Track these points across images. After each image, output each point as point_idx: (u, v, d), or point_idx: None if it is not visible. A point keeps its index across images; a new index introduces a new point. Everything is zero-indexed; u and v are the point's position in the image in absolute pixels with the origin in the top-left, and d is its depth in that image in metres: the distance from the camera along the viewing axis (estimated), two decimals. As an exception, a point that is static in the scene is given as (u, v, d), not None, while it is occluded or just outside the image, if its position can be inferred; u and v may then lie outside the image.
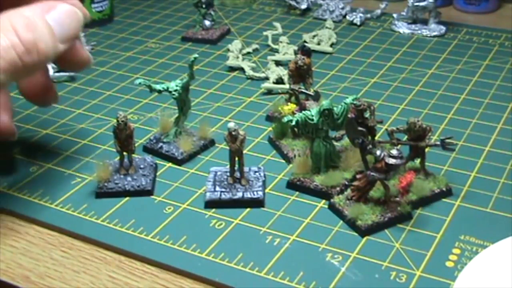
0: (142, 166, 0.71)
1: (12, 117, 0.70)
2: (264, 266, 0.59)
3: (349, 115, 0.68)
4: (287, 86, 0.84)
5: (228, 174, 0.69)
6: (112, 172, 0.70)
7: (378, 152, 0.61)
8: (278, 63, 0.95)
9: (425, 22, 1.07)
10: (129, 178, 0.69)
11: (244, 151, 0.68)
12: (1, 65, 0.54)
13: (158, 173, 0.72)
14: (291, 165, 0.72)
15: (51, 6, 0.59)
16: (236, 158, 0.68)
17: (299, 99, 0.79)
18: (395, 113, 0.83)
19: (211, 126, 0.79)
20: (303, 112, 0.68)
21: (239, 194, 0.67)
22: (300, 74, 0.79)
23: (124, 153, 0.70)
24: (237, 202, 0.66)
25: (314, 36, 1.03)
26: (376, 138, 0.72)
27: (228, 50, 0.98)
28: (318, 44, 1.01)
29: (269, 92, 0.89)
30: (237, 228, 0.64)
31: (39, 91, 0.70)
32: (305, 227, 0.64)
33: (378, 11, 1.12)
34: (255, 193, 0.67)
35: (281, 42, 0.99)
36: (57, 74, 0.93)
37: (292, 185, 0.69)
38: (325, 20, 1.09)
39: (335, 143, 0.70)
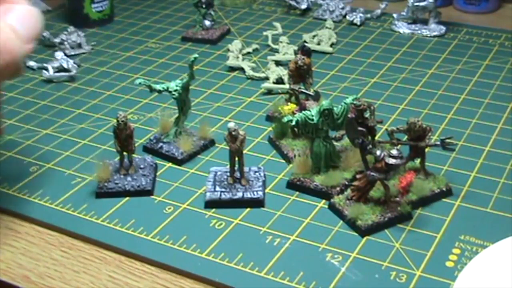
0: (142, 166, 0.71)
1: (1, 117, 0.69)
2: (264, 266, 0.59)
3: (349, 115, 0.68)
4: (287, 86, 0.84)
5: (228, 174, 0.69)
6: (112, 172, 0.70)
7: (378, 152, 0.61)
8: (278, 63, 0.95)
9: (425, 22, 1.07)
10: (129, 178, 0.69)
11: (244, 151, 0.68)
12: None
13: (158, 173, 0.72)
14: (291, 165, 0.72)
15: (8, 8, 0.56)
16: (236, 158, 0.68)
17: (299, 99, 0.79)
18: (395, 113, 0.83)
19: (211, 126, 0.79)
20: (303, 112, 0.68)
21: (239, 194, 0.67)
22: (300, 74, 0.79)
23: (124, 153, 0.70)
24: (237, 202, 0.66)
25: (314, 36, 1.03)
26: (376, 138, 0.72)
27: (228, 50, 0.98)
28: (318, 44, 1.01)
29: (269, 92, 0.89)
30: (237, 228, 0.64)
31: None
32: (305, 227, 0.64)
33: (378, 11, 1.12)
34: (255, 193, 0.67)
35: (281, 42, 0.99)
36: (57, 74, 0.94)
37: (292, 185, 0.69)
38: (325, 20, 1.09)
39: (335, 143, 0.70)
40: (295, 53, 0.93)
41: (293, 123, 0.67)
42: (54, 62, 0.95)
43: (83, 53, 1.02)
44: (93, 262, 0.61)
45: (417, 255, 0.60)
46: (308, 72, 0.79)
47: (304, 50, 0.80)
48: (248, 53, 1.00)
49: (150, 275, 0.60)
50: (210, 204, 0.67)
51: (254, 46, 1.01)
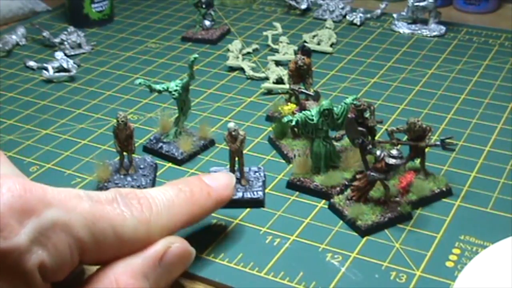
0: (142, 166, 0.71)
1: None
2: (264, 266, 0.59)
3: (349, 115, 0.68)
4: (287, 86, 0.84)
5: (228, 174, 0.69)
6: (112, 172, 0.70)
7: (378, 152, 0.61)
8: (278, 63, 0.95)
9: (425, 22, 1.07)
10: (129, 178, 0.69)
11: (244, 151, 0.68)
12: None
13: (158, 173, 0.72)
14: (291, 165, 0.72)
15: (164, 251, 0.50)
16: (236, 158, 0.68)
17: (299, 99, 0.79)
18: (395, 113, 0.83)
19: (211, 126, 0.79)
20: (303, 112, 0.68)
21: (239, 194, 0.67)
22: (300, 74, 0.79)
23: (124, 153, 0.70)
24: (237, 202, 0.66)
25: (314, 36, 1.03)
26: (376, 138, 0.72)
27: (228, 50, 0.98)
28: (318, 44, 1.01)
29: (269, 92, 0.89)
30: (237, 228, 0.64)
31: None
32: (305, 227, 0.64)
33: (378, 11, 1.12)
34: (255, 193, 0.67)
35: (281, 42, 0.99)
36: (57, 74, 0.94)
37: (292, 185, 0.69)
38: (325, 20, 1.09)
39: (335, 143, 0.70)
40: (295, 53, 0.93)
41: (293, 123, 0.67)
42: (54, 62, 0.95)
43: (83, 53, 1.02)
44: (93, 262, 0.61)
45: (417, 255, 0.60)
46: (308, 72, 0.79)
47: (304, 50, 0.80)
48: (248, 53, 1.00)
49: (150, 275, 0.59)
50: (210, 204, 0.66)
51: (254, 46, 1.01)
